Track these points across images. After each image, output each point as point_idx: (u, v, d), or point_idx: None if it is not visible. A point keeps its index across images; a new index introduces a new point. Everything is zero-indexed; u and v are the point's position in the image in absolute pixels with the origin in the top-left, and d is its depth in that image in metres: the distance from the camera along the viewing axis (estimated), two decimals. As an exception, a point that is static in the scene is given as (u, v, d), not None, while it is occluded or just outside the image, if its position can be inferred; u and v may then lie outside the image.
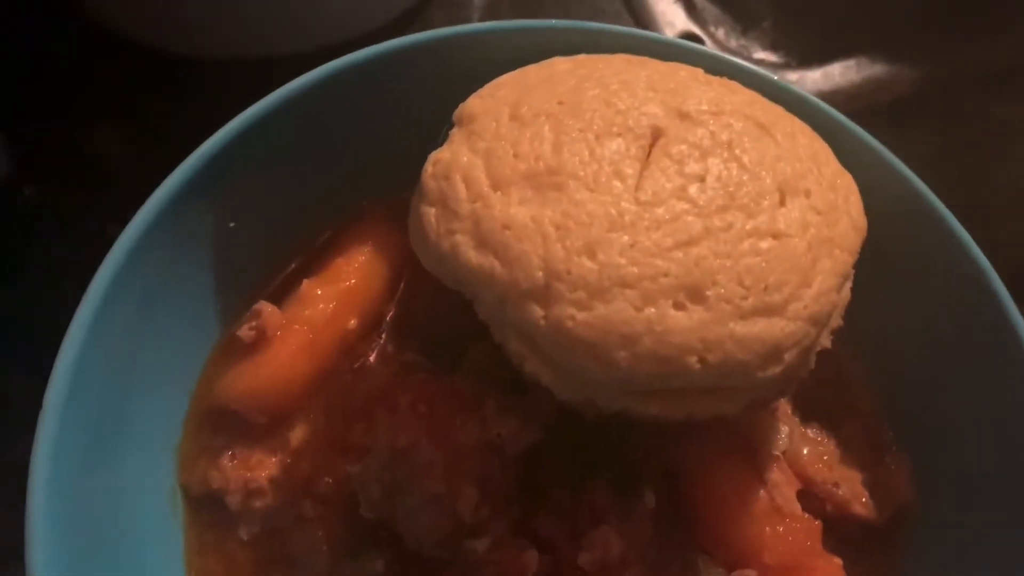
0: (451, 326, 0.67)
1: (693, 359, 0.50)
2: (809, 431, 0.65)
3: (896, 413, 0.69)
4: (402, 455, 0.57)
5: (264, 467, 0.63)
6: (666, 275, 0.50)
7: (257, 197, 0.66)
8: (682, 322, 0.50)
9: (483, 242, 0.52)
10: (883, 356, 0.69)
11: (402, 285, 0.69)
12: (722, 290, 0.51)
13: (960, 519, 0.63)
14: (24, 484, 0.80)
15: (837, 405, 0.68)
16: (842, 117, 0.67)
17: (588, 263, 0.50)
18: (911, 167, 0.68)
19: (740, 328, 0.51)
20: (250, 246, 0.67)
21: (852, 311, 0.63)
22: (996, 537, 0.61)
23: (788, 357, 0.52)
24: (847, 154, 0.62)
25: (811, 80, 1.07)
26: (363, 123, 0.69)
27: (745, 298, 0.51)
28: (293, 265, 0.70)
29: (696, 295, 0.50)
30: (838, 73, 1.07)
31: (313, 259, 0.69)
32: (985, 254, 0.64)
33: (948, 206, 0.66)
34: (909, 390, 0.68)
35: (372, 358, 0.67)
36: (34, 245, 0.90)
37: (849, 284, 0.58)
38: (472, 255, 0.52)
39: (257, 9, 0.90)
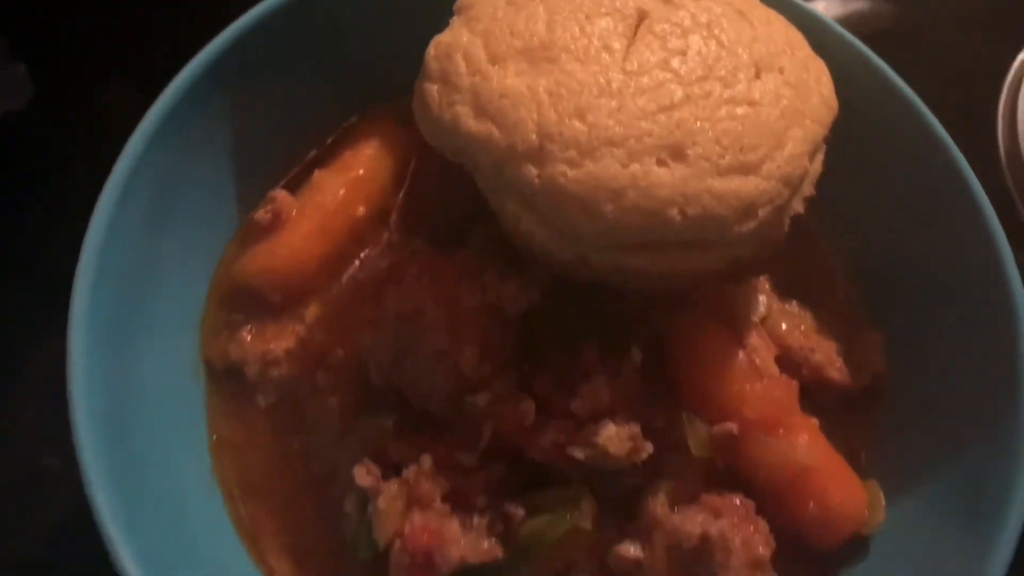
0: (454, 214, 0.72)
1: (674, 211, 0.55)
2: (787, 306, 0.70)
3: (870, 295, 0.74)
4: (409, 319, 0.62)
5: (280, 340, 0.68)
6: (650, 135, 0.55)
7: (271, 95, 0.71)
8: (664, 177, 0.55)
9: (482, 111, 0.57)
10: (857, 240, 0.74)
11: (407, 179, 0.74)
12: (701, 149, 0.55)
13: (928, 389, 0.68)
14: (55, 386, 0.86)
15: (815, 286, 0.73)
16: (819, 13, 0.71)
17: (578, 125, 0.55)
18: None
19: (718, 184, 0.55)
20: (265, 141, 0.71)
21: (828, 197, 0.68)
22: (959, 404, 0.66)
23: (762, 214, 0.57)
24: (822, 47, 0.67)
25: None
26: (369, 30, 0.73)
27: (722, 157, 0.55)
28: (307, 159, 0.74)
29: (677, 153, 0.55)
30: (823, 7, 1.11)
31: (324, 154, 0.74)
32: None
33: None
34: (881, 272, 0.72)
35: (381, 245, 0.72)
36: (51, 169, 0.95)
37: (820, 157, 0.63)
38: (472, 123, 0.57)
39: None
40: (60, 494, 0.81)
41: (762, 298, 0.68)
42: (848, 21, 1.11)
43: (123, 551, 0.53)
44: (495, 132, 0.56)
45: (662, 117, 0.55)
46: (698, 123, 0.56)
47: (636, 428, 0.60)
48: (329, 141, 0.75)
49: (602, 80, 0.56)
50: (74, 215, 0.63)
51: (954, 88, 1.08)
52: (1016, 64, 0.98)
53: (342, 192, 0.69)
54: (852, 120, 0.66)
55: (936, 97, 0.80)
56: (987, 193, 0.68)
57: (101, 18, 0.98)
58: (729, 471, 0.64)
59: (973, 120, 1.02)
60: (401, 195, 0.73)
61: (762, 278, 0.70)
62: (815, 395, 0.68)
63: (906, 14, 1.15)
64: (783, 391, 0.64)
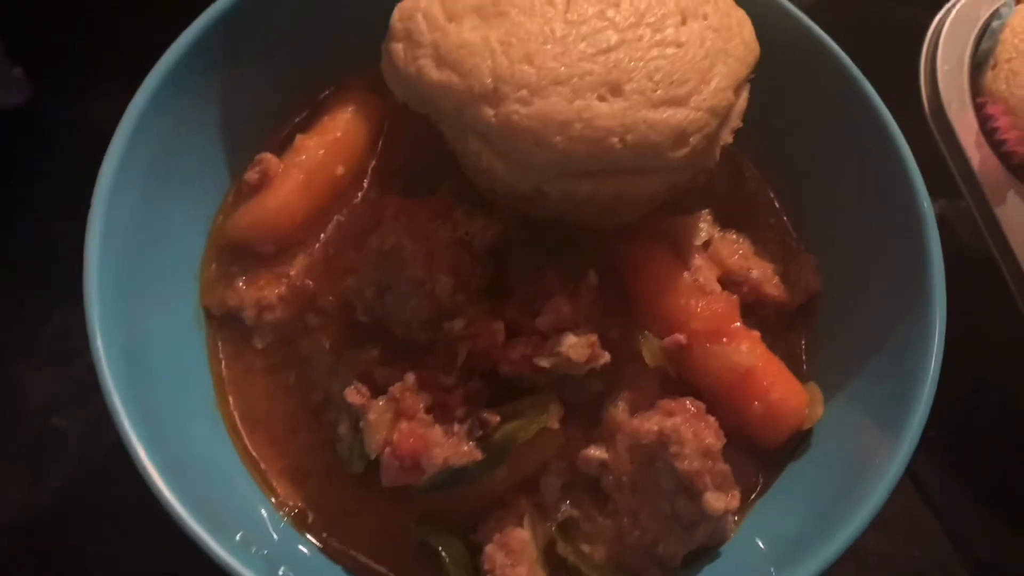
0: (425, 169, 0.79)
1: (615, 140, 0.62)
2: (727, 234, 0.77)
3: (802, 222, 0.82)
4: (388, 255, 0.70)
5: (273, 287, 0.74)
6: (590, 74, 0.63)
7: (254, 69, 0.77)
8: (605, 110, 0.62)
9: (442, 61, 0.64)
10: (787, 174, 0.82)
11: (381, 142, 0.82)
12: (636, 85, 0.63)
13: (855, 299, 0.76)
14: (63, 355, 0.91)
15: (753, 219, 0.81)
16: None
17: (528, 68, 0.62)
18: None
19: (652, 115, 0.63)
20: (251, 111, 0.78)
21: (757, 135, 0.76)
22: (882, 308, 0.74)
23: (693, 141, 0.65)
24: (748, 4, 0.75)
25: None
26: (341, 6, 0.80)
27: (655, 91, 0.63)
28: (289, 126, 0.81)
29: (615, 89, 0.63)
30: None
31: (305, 121, 0.81)
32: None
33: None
34: (811, 201, 0.81)
35: (359, 199, 0.79)
36: (53, 159, 1.01)
37: (745, 94, 0.70)
38: (434, 73, 0.64)
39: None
40: (70, 453, 0.88)
41: (703, 226, 0.75)
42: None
43: (149, 465, 0.60)
44: (455, 79, 0.64)
45: (600, 58, 0.63)
46: (632, 63, 0.63)
47: (594, 337, 0.67)
48: (309, 110, 0.82)
49: (547, 29, 0.64)
50: (76, 198, 0.69)
51: (881, 49, 1.18)
52: (935, 21, 1.06)
53: (322, 152, 0.76)
54: (778, 66, 0.74)
55: (865, 55, 0.89)
56: (914, 141, 0.76)
57: (95, 21, 1.05)
58: (681, 379, 0.72)
59: (899, 77, 1.12)
60: (376, 155, 0.81)
61: (704, 210, 0.77)
62: (756, 313, 0.76)
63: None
64: (725, 304, 0.71)
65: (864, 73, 0.78)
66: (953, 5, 1.07)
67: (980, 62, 1.03)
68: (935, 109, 1.04)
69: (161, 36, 0.74)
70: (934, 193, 0.75)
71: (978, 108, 1.02)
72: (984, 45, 1.03)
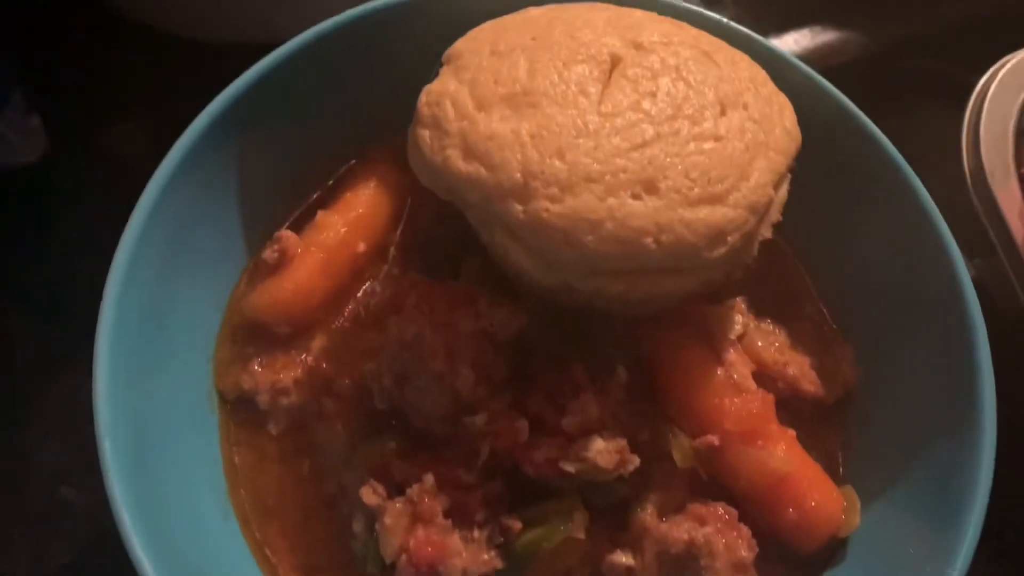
0: (449, 247, 0.77)
1: (649, 240, 0.60)
2: (763, 325, 0.74)
3: (840, 312, 0.78)
4: (409, 345, 0.67)
5: (289, 370, 0.72)
6: (624, 171, 0.60)
7: (275, 142, 0.76)
8: (639, 209, 0.59)
9: (470, 152, 0.62)
10: (825, 262, 0.79)
11: (404, 216, 0.79)
12: (672, 183, 0.60)
13: (895, 397, 0.73)
14: (75, 422, 0.90)
15: (788, 305, 0.78)
16: (782, 51, 0.77)
17: (559, 163, 0.60)
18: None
19: (688, 214, 0.60)
20: (272, 185, 0.76)
21: (797, 222, 0.73)
22: (924, 409, 0.70)
23: (731, 240, 0.62)
24: (786, 81, 0.72)
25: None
26: (366, 80, 0.79)
27: (692, 189, 0.60)
28: (309, 201, 0.79)
29: (650, 187, 0.60)
30: (793, 41, 1.17)
31: (326, 196, 0.79)
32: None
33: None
34: (849, 290, 0.77)
35: (381, 278, 0.77)
36: (68, 215, 1.00)
37: (786, 185, 0.67)
38: (461, 164, 0.62)
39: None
40: (78, 524, 0.85)
41: (739, 317, 0.72)
42: (817, 53, 1.16)
43: (148, 569, 0.58)
44: (483, 172, 0.61)
45: (635, 154, 0.60)
46: (668, 159, 0.61)
47: (623, 442, 0.64)
48: (330, 183, 0.80)
49: (579, 122, 0.61)
50: (92, 259, 0.68)
51: (919, 112, 1.14)
52: (978, 87, 1.03)
53: (343, 230, 0.74)
54: (816, 149, 0.71)
55: (902, 122, 0.85)
56: (955, 213, 0.73)
57: (111, 71, 1.04)
58: (713, 481, 0.68)
59: (939, 141, 1.08)
60: (399, 231, 0.78)
61: (738, 299, 0.74)
62: (791, 407, 0.72)
63: (874, 41, 1.21)
64: (760, 404, 0.68)
65: (902, 138, 0.74)
66: (999, 69, 1.03)
67: (1025, 130, 0.99)
68: (977, 177, 1.00)
69: (184, 92, 0.72)
70: (971, 254, 0.71)
71: (1022, 179, 0.98)
72: (1030, 113, 0.99)
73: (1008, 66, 1.04)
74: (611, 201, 0.59)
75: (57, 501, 0.86)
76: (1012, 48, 1.03)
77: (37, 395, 0.89)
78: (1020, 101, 1.02)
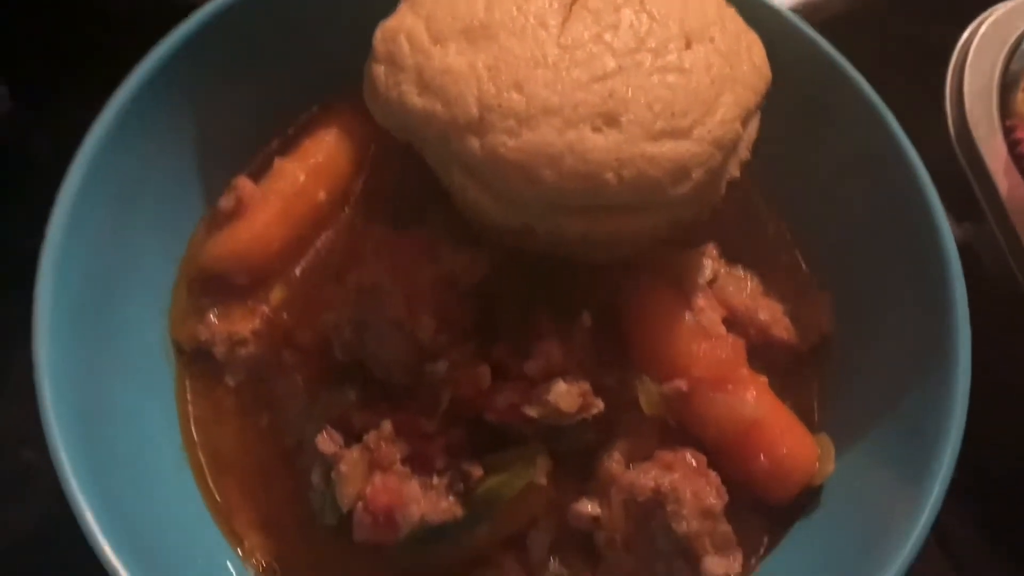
0: (411, 196, 0.75)
1: (610, 175, 0.57)
2: (734, 271, 0.72)
3: (815, 258, 0.76)
4: (368, 292, 0.65)
5: (247, 321, 0.70)
6: (584, 104, 0.57)
7: (232, 89, 0.73)
8: (599, 143, 0.57)
9: (425, 87, 0.59)
10: (800, 207, 0.77)
11: (367, 166, 0.77)
12: (633, 116, 0.58)
13: (872, 345, 0.71)
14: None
15: (761, 252, 0.75)
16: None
17: (516, 96, 0.57)
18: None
19: (651, 148, 0.58)
20: (228, 132, 0.74)
21: (769, 165, 0.71)
22: (900, 358, 0.68)
23: (695, 176, 0.59)
24: (756, 21, 0.69)
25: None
26: (325, 22, 0.76)
27: (654, 122, 0.58)
28: (269, 149, 0.77)
29: (611, 120, 0.58)
30: (777, -4, 1.15)
31: (285, 144, 0.77)
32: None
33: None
34: (825, 237, 0.75)
35: (341, 228, 0.75)
36: (33, 186, 0.98)
37: (755, 123, 0.65)
38: (416, 100, 0.59)
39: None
40: (39, 485, 0.84)
41: (708, 262, 0.70)
42: (802, 10, 1.14)
43: (96, 528, 0.56)
44: (438, 107, 0.59)
45: (596, 87, 0.58)
46: (630, 91, 0.58)
47: (586, 385, 0.62)
48: (290, 131, 0.77)
49: (538, 54, 0.59)
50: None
51: (903, 69, 1.12)
52: (961, 40, 1.01)
53: (302, 178, 0.72)
54: (789, 90, 0.69)
55: (885, 77, 0.83)
56: (940, 171, 0.70)
57: (76, 32, 1.02)
58: (681, 428, 0.66)
59: (923, 100, 1.06)
60: (362, 181, 0.76)
61: (710, 244, 0.72)
62: (764, 355, 0.70)
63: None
64: (730, 349, 0.66)
65: (885, 94, 0.72)
66: (981, 23, 1.01)
67: (1010, 83, 0.97)
68: (961, 133, 0.98)
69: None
70: (958, 217, 0.69)
71: (1007, 132, 0.96)
72: (1014, 66, 0.97)
73: (992, 19, 1.02)
74: (570, 135, 0.57)
75: (18, 461, 0.84)
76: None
77: (2, 361, 0.87)
78: (1004, 53, 1.00)
